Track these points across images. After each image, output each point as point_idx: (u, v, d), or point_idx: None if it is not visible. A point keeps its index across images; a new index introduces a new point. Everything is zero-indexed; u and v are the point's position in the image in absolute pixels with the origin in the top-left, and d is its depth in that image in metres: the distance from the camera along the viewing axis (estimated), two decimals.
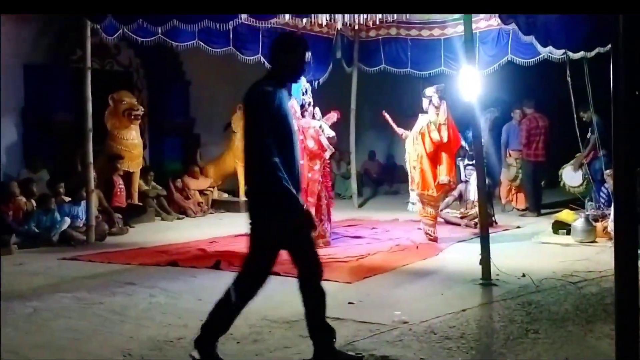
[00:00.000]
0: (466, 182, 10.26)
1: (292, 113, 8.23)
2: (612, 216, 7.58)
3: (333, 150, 8.63)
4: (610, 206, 8.60)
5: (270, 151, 3.80)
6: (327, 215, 8.51)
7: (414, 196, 8.78)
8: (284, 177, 3.80)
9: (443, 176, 8.43)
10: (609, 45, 3.50)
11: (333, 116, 8.56)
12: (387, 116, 8.78)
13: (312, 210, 8.30)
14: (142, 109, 11.39)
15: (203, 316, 4.98)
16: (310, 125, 8.37)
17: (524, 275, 6.28)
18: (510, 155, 11.63)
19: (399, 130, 8.85)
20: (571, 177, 10.46)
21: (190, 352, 4.04)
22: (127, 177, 11.09)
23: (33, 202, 9.11)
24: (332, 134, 8.49)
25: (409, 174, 8.75)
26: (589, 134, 10.13)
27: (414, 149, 8.57)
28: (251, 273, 4.04)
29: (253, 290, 4.03)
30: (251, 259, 4.02)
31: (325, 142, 8.36)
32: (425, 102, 8.55)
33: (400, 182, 8.61)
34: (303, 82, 8.62)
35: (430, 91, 8.55)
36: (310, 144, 8.31)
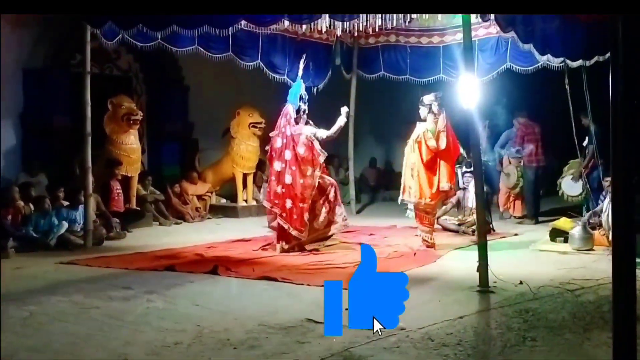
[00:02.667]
0: (464, 189, 10.25)
1: (286, 119, 8.32)
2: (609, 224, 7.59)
3: (326, 154, 8.61)
4: None
5: None
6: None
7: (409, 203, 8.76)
8: None
9: (444, 183, 8.38)
10: (608, 54, 3.51)
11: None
12: None
13: (306, 216, 8.32)
14: (141, 114, 11.39)
15: (200, 321, 5.01)
16: (302, 132, 8.37)
17: (521, 283, 6.27)
18: (510, 163, 11.62)
19: None
20: (571, 186, 10.51)
21: None
22: (125, 181, 11.07)
23: (31, 205, 9.10)
24: (327, 133, 8.44)
25: (402, 182, 8.69)
26: (586, 142, 10.13)
27: (411, 157, 8.53)
28: None
29: None
30: None
31: (318, 147, 8.36)
32: (423, 110, 8.46)
33: (398, 188, 8.63)
34: (302, 87, 8.64)
35: (428, 99, 8.45)
36: (301, 150, 8.33)
